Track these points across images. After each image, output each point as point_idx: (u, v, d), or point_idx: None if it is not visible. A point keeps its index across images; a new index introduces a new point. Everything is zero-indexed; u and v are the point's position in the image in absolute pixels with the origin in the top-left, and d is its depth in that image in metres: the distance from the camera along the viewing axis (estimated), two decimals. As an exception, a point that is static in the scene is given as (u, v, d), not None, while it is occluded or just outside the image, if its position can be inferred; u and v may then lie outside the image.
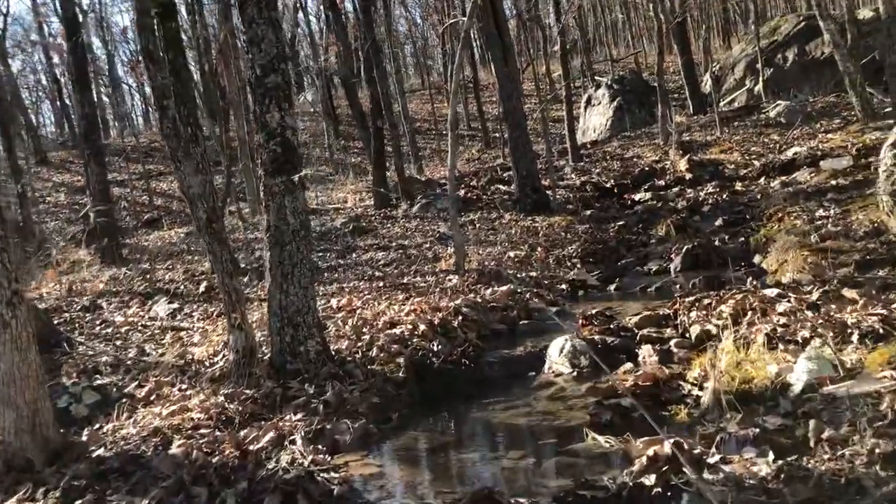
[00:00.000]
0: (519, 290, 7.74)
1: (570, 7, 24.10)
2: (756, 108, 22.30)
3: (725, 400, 3.93)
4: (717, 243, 9.35)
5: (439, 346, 5.86)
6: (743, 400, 3.92)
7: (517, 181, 14.21)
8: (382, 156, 15.70)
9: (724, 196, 13.27)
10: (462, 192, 16.54)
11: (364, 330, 6.38)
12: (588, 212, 13.81)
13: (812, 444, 3.29)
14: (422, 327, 6.10)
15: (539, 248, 9.96)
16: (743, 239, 9.20)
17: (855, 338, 4.51)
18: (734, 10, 43.52)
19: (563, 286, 8.27)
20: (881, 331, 4.51)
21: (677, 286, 7.71)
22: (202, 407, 5.11)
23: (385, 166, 15.87)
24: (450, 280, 8.54)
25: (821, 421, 3.38)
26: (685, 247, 8.82)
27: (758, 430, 3.42)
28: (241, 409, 5.02)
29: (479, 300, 7.18)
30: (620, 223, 11.96)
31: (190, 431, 4.85)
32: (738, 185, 13.88)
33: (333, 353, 5.77)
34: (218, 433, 4.77)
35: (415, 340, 5.96)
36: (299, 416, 4.85)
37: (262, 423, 4.84)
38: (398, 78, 23.83)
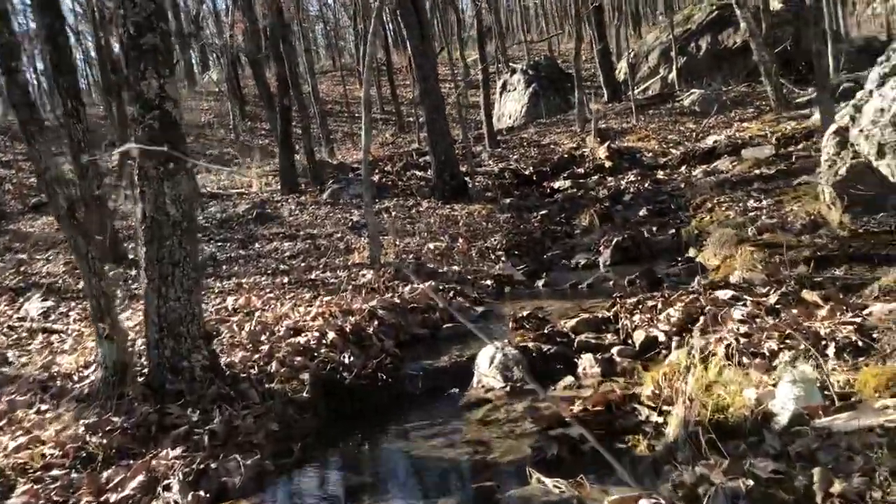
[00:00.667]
0: (441, 288, 6.95)
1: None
2: (670, 97, 22.14)
3: (698, 433, 3.23)
4: (646, 234, 8.77)
5: (351, 358, 5.00)
6: (719, 432, 3.23)
7: (434, 166, 13.42)
8: (290, 137, 14.63)
9: (647, 185, 12.81)
10: (376, 178, 15.65)
11: (263, 338, 5.46)
12: (508, 200, 13.14)
13: (820, 499, 2.62)
14: (331, 335, 5.22)
15: (461, 239, 9.19)
16: (673, 231, 8.66)
17: (832, 351, 3.90)
18: (645, 2, 43.82)
19: (489, 282, 7.52)
20: (860, 343, 3.91)
21: (610, 282, 7.06)
22: (58, 439, 4.13)
23: (292, 148, 14.80)
24: (364, 275, 7.67)
25: (826, 469, 2.71)
26: (614, 239, 8.21)
27: (751, 481, 2.72)
28: (105, 442, 4.05)
29: (398, 300, 6.34)
30: (543, 212, 11.32)
31: (39, 472, 3.87)
32: (660, 174, 13.46)
33: (225, 367, 4.84)
34: (75, 475, 3.82)
35: (322, 351, 5.07)
36: (178, 450, 3.92)
37: (132, 461, 3.90)
38: (308, 58, 22.63)
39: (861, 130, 6.57)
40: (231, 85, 31.85)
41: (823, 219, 7.34)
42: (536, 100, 25.09)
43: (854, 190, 6.65)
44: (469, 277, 7.60)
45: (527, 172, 15.39)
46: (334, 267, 8.23)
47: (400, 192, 14.04)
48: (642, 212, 10.90)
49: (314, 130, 26.59)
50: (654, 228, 9.22)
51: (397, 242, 9.11)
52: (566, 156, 15.94)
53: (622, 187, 12.97)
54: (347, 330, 5.31)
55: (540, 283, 7.50)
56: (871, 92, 6.75)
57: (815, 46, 10.17)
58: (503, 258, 8.43)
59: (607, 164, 14.71)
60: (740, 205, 9.07)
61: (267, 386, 4.66)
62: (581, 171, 14.94)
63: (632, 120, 20.23)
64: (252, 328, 5.73)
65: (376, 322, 5.65)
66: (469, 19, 48.81)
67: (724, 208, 9.06)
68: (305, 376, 4.76)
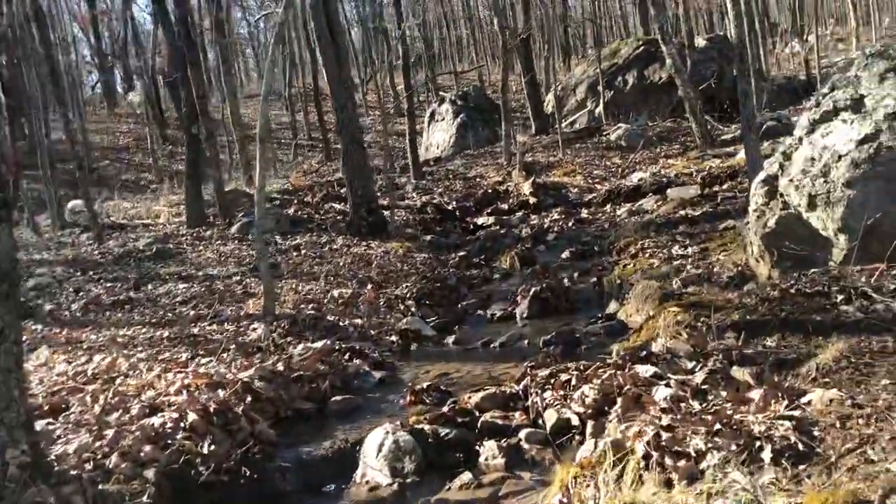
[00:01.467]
0: (338, 348, 6.15)
1: (409, 16, 22.85)
2: (597, 131, 21.91)
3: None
4: (566, 283, 8.16)
5: (211, 447, 4.17)
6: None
7: (351, 201, 12.65)
8: (198, 166, 13.69)
9: (571, 223, 12.30)
10: (292, 210, 14.80)
11: (115, 416, 4.58)
12: (428, 237, 12.47)
13: None
14: (191, 417, 4.37)
15: (369, 286, 8.42)
16: (595, 280, 8.05)
17: (767, 456, 3.27)
18: (574, 35, 44.11)
19: (393, 338, 6.76)
20: (800, 446, 3.29)
21: (525, 341, 6.39)
22: None
23: (200, 178, 13.85)
24: (254, 329, 6.84)
25: None
26: (532, 289, 7.55)
27: None
28: None
29: (282, 367, 5.51)
30: (462, 253, 10.66)
31: None
32: (584, 212, 12.98)
33: (55, 461, 3.97)
34: None
35: (179, 437, 4.22)
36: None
37: None
38: (230, 81, 21.65)
39: (791, 180, 6.09)
40: (151, 108, 30.57)
41: (751, 271, 6.84)
42: (464, 130, 24.61)
43: (785, 247, 6.15)
44: (373, 333, 6.84)
45: (450, 207, 14.76)
46: (224, 318, 7.36)
47: (315, 226, 13.20)
48: (565, 254, 10.34)
49: (235, 157, 25.56)
50: (576, 275, 8.62)
51: (299, 288, 8.30)
52: (490, 190, 15.37)
53: (546, 226, 12.42)
54: (212, 409, 4.47)
55: (450, 339, 6.77)
56: (800, 139, 6.29)
57: (741, 85, 9.81)
58: (413, 309, 7.69)
59: (532, 200, 14.18)
60: (665, 251, 8.55)
61: (100, 488, 3.79)
62: (505, 206, 14.38)
63: (558, 154, 19.86)
64: (106, 402, 4.84)
65: (250, 397, 4.82)
66: (397, 45, 48.50)
67: (647, 255, 8.53)
68: (151, 473, 3.90)
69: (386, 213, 12.91)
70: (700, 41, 22.88)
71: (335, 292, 8.03)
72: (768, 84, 22.22)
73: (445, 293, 8.25)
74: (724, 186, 12.46)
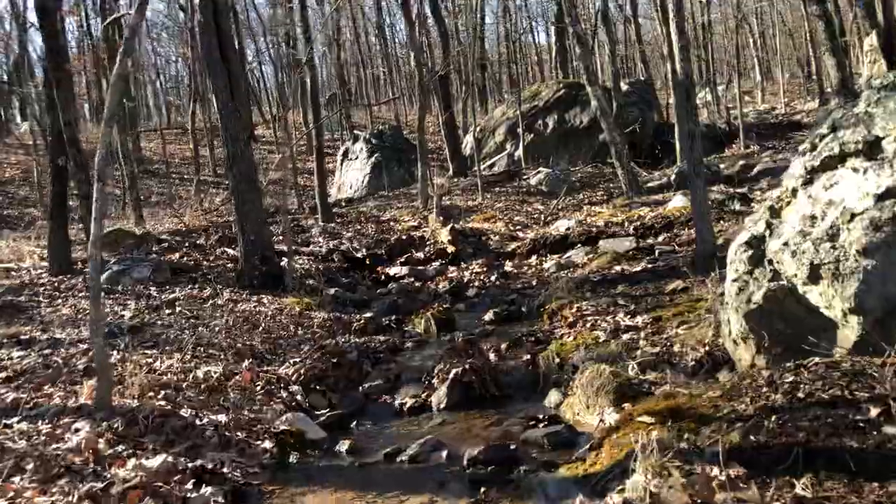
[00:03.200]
0: (183, 468, 4.32)
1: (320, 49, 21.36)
2: (517, 175, 20.66)
3: None
4: (494, 359, 6.53)
5: None
6: None
7: (242, 248, 10.77)
8: (63, 204, 11.56)
9: (493, 277, 10.75)
10: (178, 255, 12.78)
11: None
12: (332, 290, 10.69)
13: None
14: None
15: (247, 361, 6.58)
16: (529, 357, 6.43)
17: None
18: (490, 79, 43.35)
19: (267, 444, 4.95)
20: None
21: (443, 452, 4.68)
22: None
23: (66, 218, 11.71)
24: (77, 431, 4.93)
25: None
26: (453, 370, 5.87)
27: None
28: None
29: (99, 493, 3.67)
30: (369, 314, 8.90)
31: None
32: (508, 265, 11.47)
33: None
34: None
35: None
36: None
37: None
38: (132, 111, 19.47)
39: (786, 244, 4.64)
40: (41, 137, 27.85)
41: (724, 355, 5.37)
42: (379, 171, 23.01)
43: (776, 329, 4.70)
44: (240, 436, 5.01)
45: (359, 255, 13.02)
46: (44, 411, 5.41)
47: (201, 276, 11.24)
48: (488, 315, 8.75)
49: (120, 193, 23.17)
50: (504, 346, 7.01)
51: (156, 365, 6.39)
52: (405, 237, 13.72)
53: (466, 279, 10.84)
54: None
55: (344, 446, 4.98)
56: (793, 191, 4.88)
57: (687, 125, 8.56)
58: (300, 396, 5.88)
59: (450, 248, 12.60)
60: (608, 319, 7.05)
61: None
62: (421, 255, 12.74)
63: (478, 197, 18.46)
64: None
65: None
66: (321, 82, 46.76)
67: (588, 324, 7.01)
68: None
69: (283, 262, 11.06)
70: (623, 85, 22.02)
71: (201, 371, 6.16)
72: (689, 131, 21.42)
73: (344, 371, 6.47)
74: (660, 238, 11.18)
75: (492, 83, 43.68)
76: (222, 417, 5.24)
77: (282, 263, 10.92)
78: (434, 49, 27.75)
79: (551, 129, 22.29)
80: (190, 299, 9.80)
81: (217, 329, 7.78)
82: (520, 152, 22.27)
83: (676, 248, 10.39)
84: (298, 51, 24.03)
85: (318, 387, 5.95)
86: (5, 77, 36.80)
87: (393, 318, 8.86)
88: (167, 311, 9.01)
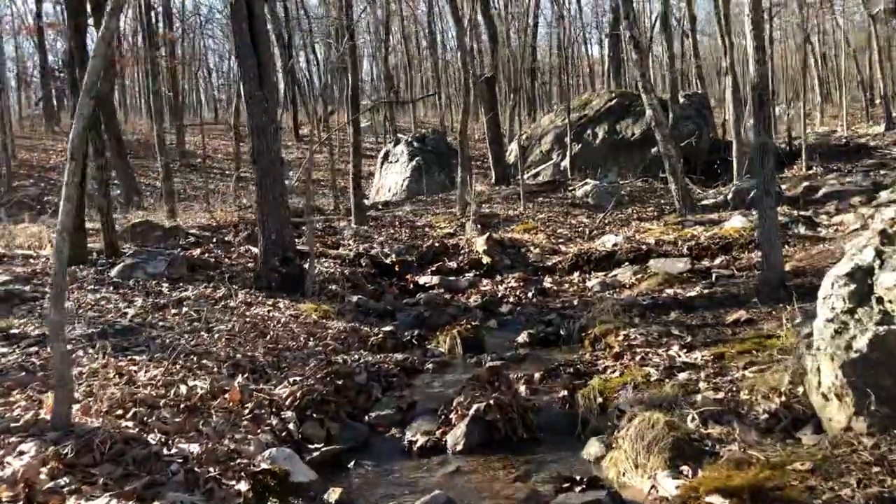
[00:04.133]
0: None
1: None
2: (563, 185, 19.61)
3: None
4: (524, 391, 5.56)
5: None
6: None
7: (262, 246, 9.97)
8: (83, 189, 10.86)
9: (531, 294, 9.75)
10: (198, 251, 12.05)
11: None
12: (355, 298, 9.81)
13: None
14: None
15: (241, 377, 5.70)
16: (566, 394, 5.43)
17: None
18: (540, 88, 42.34)
19: (242, 486, 4.05)
20: None
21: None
22: None
23: (83, 205, 10.99)
24: (21, 454, 4.09)
25: None
26: (475, 405, 4.92)
27: None
28: None
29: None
30: (388, 328, 7.97)
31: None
32: (548, 280, 10.46)
33: None
34: None
35: None
36: None
37: None
38: (156, 102, 18.96)
39: (905, 279, 3.61)
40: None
41: (808, 410, 4.33)
42: (419, 174, 22.16)
43: (885, 381, 3.67)
44: (212, 472, 4.12)
45: (388, 261, 12.12)
46: (4, 426, 4.59)
47: (219, 274, 10.47)
48: (522, 336, 7.78)
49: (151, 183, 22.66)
50: (537, 375, 6.02)
51: (137, 375, 5.55)
52: (438, 244, 12.80)
53: (500, 294, 9.87)
54: None
55: (332, 497, 4.03)
56: (914, 213, 3.83)
57: (760, 138, 7.46)
58: (292, 425, 4.97)
59: (485, 259, 11.64)
60: (661, 352, 6.03)
61: None
62: (454, 264, 11.80)
63: (519, 207, 17.46)
64: None
65: None
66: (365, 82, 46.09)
67: (637, 356, 5.99)
68: None
69: (305, 265, 10.21)
70: (679, 98, 20.83)
71: (186, 386, 5.30)
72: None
73: (350, 396, 5.53)
74: (718, 261, 10.09)
75: (541, 93, 42.67)
76: (195, 448, 4.35)
77: (304, 266, 10.06)
78: (484, 56, 26.85)
79: (601, 139, 21.21)
80: (201, 299, 9.01)
81: (217, 336, 6.93)
82: (566, 162, 21.24)
83: (735, 272, 9.30)
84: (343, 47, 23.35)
85: (315, 414, 5.03)
86: (60, 64, 36.84)
87: (416, 333, 7.93)
88: (173, 311, 8.22)
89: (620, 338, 6.78)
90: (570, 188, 19.35)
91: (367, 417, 5.28)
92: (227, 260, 11.67)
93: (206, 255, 11.91)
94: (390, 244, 13.57)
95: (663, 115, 14.63)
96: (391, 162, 23.32)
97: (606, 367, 6.01)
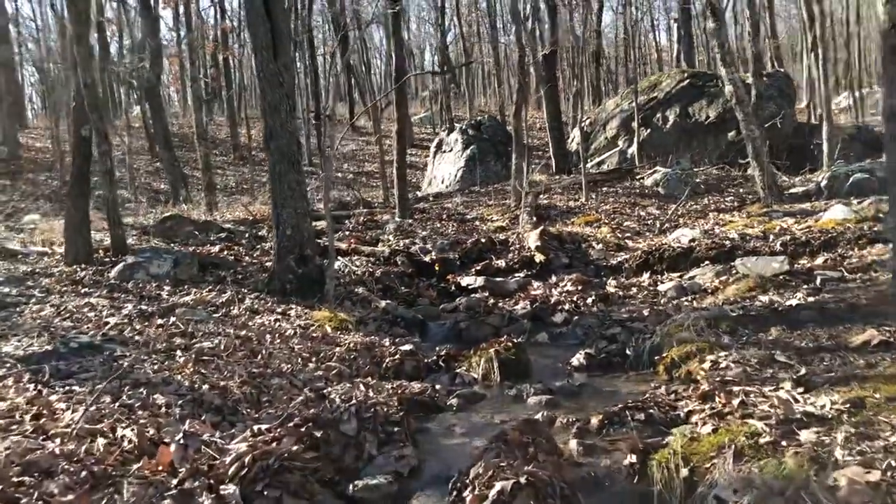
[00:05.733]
0: None
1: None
2: (629, 173, 17.70)
3: None
4: (574, 450, 3.91)
5: None
6: None
7: (276, 242, 8.52)
8: (86, 183, 9.62)
9: (590, 300, 8.03)
10: (216, 249, 10.73)
11: None
12: (384, 303, 8.29)
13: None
14: None
15: (194, 421, 4.21)
16: (634, 459, 3.74)
17: None
18: (605, 78, 40.14)
19: None
20: None
21: None
22: None
23: (87, 197, 9.75)
24: None
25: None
26: (499, 483, 3.28)
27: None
28: None
29: None
30: (408, 347, 6.34)
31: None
32: (612, 284, 8.72)
33: None
34: None
35: None
36: None
37: None
38: (195, 87, 17.80)
39: None
40: (141, 120, 26.92)
41: None
42: (474, 164, 20.55)
43: None
44: None
45: (427, 259, 10.56)
46: None
47: (232, 275, 9.10)
48: (578, 357, 6.10)
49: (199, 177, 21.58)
50: (595, 424, 4.34)
51: (67, 416, 4.11)
52: (485, 239, 11.15)
53: (553, 300, 8.18)
54: None
55: None
56: None
57: (891, 102, 5.59)
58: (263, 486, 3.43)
59: (538, 257, 9.96)
60: (766, 390, 4.29)
61: None
62: (502, 263, 10.17)
63: (580, 198, 15.69)
64: None
65: None
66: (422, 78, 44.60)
67: (734, 396, 4.26)
68: None
69: (324, 263, 8.70)
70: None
71: (106, 439, 3.82)
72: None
73: (331, 454, 3.95)
74: (820, 260, 8.19)
75: (607, 80, 40.45)
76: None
77: (322, 265, 8.57)
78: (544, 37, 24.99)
79: (671, 123, 19.19)
80: (200, 305, 7.61)
81: (204, 350, 5.47)
82: (633, 149, 19.29)
83: (846, 274, 7.42)
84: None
85: (269, 490, 3.46)
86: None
87: (446, 350, 6.31)
88: (158, 322, 6.80)
89: (707, 365, 5.07)
90: (638, 177, 17.46)
91: (351, 487, 3.70)
92: (247, 258, 10.32)
93: (226, 252, 10.59)
94: (433, 240, 12.01)
95: (745, 92, 12.63)
96: (444, 151, 21.75)
97: (691, 411, 4.30)
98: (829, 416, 3.80)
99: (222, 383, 5.01)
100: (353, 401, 4.41)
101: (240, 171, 28.79)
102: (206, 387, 4.88)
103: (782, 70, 21.11)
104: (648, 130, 19.30)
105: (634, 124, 19.22)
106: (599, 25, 36.45)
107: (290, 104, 8.48)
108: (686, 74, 20.16)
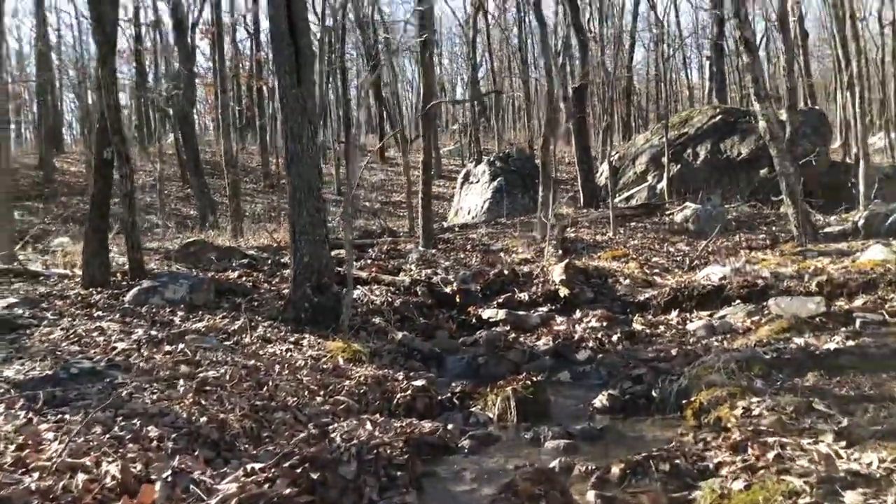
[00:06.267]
0: None
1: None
2: (659, 209, 17.31)
3: None
4: (595, 503, 3.55)
5: None
6: None
7: (293, 270, 8.28)
8: (106, 205, 9.49)
9: (616, 338, 7.66)
10: (235, 275, 10.54)
11: None
12: (401, 334, 7.99)
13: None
14: None
15: (186, 457, 3.93)
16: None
17: None
18: (636, 114, 39.90)
19: None
20: None
21: None
22: None
23: (106, 220, 9.60)
24: None
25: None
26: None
27: None
28: None
29: None
30: (421, 382, 6.00)
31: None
32: (639, 321, 8.34)
33: None
34: None
35: None
36: None
37: None
38: (223, 114, 17.81)
39: None
40: (174, 147, 27.14)
41: None
42: (501, 196, 20.29)
43: None
44: None
45: (448, 290, 10.26)
46: None
47: (247, 302, 8.86)
48: (601, 399, 5.74)
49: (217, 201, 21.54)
50: (615, 473, 3.97)
51: (53, 446, 3.85)
52: (508, 271, 10.83)
53: (577, 336, 7.81)
54: None
55: None
56: None
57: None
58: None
59: (563, 291, 9.60)
60: (805, 443, 3.91)
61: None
62: (525, 296, 9.82)
63: (608, 232, 15.34)
64: None
65: None
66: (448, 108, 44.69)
67: (769, 448, 3.88)
68: None
69: (341, 293, 8.43)
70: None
71: (86, 476, 3.55)
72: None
73: (328, 499, 3.65)
74: (859, 302, 7.74)
75: (637, 116, 40.18)
76: None
77: (339, 294, 8.31)
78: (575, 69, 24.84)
79: (702, 159, 18.81)
80: (212, 332, 7.38)
81: (193, 387, 5.19)
82: (663, 185, 18.92)
83: (888, 318, 6.98)
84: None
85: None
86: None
87: (462, 387, 5.99)
88: (167, 348, 6.57)
89: (738, 412, 4.69)
90: (668, 212, 17.06)
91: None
92: (265, 285, 10.09)
93: (244, 278, 10.38)
94: (456, 270, 11.71)
95: (779, 128, 12.26)
96: (472, 182, 21.54)
97: (721, 463, 3.93)
98: (878, 475, 3.41)
99: (222, 416, 4.73)
100: (355, 441, 4.10)
101: (269, 199, 28.84)
102: (203, 419, 4.61)
103: (817, 108, 20.66)
104: (678, 166, 18.93)
105: (664, 159, 18.87)
106: (631, 62, 36.31)
107: (312, 129, 8.30)
108: (718, 110, 19.80)
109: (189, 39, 22.89)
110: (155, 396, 4.97)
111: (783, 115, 17.88)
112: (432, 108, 14.90)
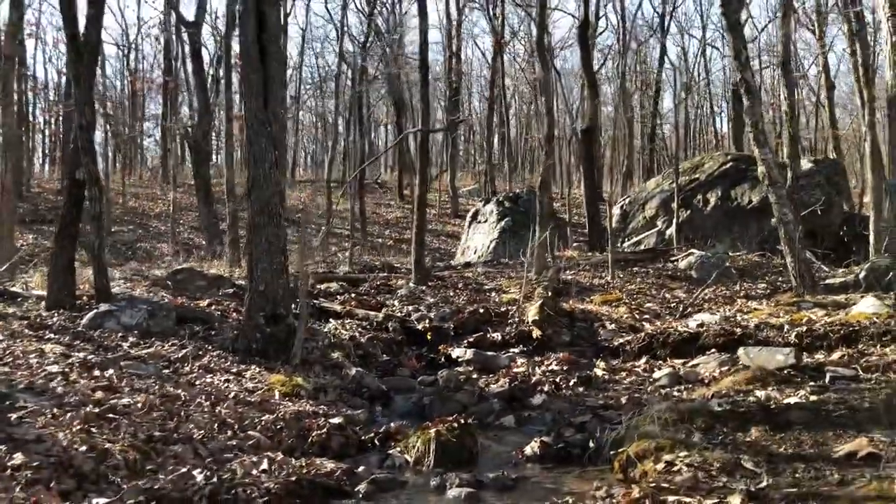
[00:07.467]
0: None
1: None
2: (664, 255, 16.84)
3: None
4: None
5: None
6: None
7: (248, 297, 8.06)
8: (75, 226, 9.39)
9: (573, 382, 7.28)
10: (206, 302, 10.34)
11: None
12: (353, 371, 7.68)
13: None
14: None
15: (51, 484, 3.67)
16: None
17: None
18: (660, 160, 39.53)
19: None
20: None
21: None
22: None
23: (74, 240, 9.48)
24: None
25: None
26: None
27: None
28: None
29: None
30: (338, 420, 5.62)
31: None
32: (600, 367, 7.93)
33: None
34: None
35: None
36: None
37: None
38: (229, 143, 17.84)
39: None
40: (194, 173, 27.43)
41: None
42: (507, 236, 19.99)
43: None
44: None
45: (421, 327, 9.94)
46: None
47: (205, 330, 8.64)
48: (532, 445, 5.34)
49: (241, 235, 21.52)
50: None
51: None
52: (482, 310, 10.48)
53: (534, 380, 7.43)
54: None
55: None
56: None
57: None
58: None
59: (535, 332, 9.23)
60: (710, 502, 3.51)
61: None
62: (497, 336, 9.47)
63: (607, 275, 14.92)
64: None
65: None
66: (465, 146, 44.69)
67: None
68: None
69: (294, 322, 8.16)
70: (805, 163, 17.78)
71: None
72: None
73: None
74: (836, 356, 7.27)
75: (661, 161, 39.79)
76: None
77: (294, 325, 8.04)
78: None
79: (712, 206, 18.36)
80: (153, 359, 7.14)
81: (77, 417, 4.92)
82: (672, 230, 18.46)
83: (861, 373, 6.51)
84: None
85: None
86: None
87: (383, 429, 5.65)
88: (95, 373, 6.33)
89: (661, 465, 4.30)
90: (673, 258, 16.59)
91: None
92: (235, 314, 9.86)
93: (216, 306, 10.17)
94: (438, 308, 11.39)
95: (780, 174, 11.85)
96: (479, 222, 21.29)
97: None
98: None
99: (107, 445, 4.46)
100: (215, 479, 3.78)
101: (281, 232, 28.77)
102: (83, 448, 4.33)
103: (832, 157, 20.15)
104: (688, 212, 18.49)
105: (674, 205, 18.45)
106: (656, 107, 36.06)
107: (275, 154, 8.12)
108: (729, 157, 19.39)
109: (203, 69, 23.11)
110: (42, 422, 4.72)
111: (805, 165, 17.47)
112: (426, 143, 14.74)
